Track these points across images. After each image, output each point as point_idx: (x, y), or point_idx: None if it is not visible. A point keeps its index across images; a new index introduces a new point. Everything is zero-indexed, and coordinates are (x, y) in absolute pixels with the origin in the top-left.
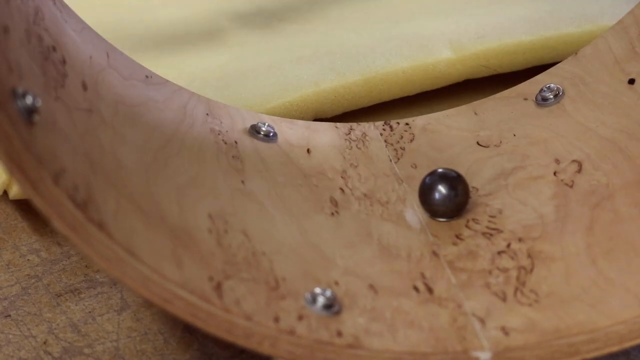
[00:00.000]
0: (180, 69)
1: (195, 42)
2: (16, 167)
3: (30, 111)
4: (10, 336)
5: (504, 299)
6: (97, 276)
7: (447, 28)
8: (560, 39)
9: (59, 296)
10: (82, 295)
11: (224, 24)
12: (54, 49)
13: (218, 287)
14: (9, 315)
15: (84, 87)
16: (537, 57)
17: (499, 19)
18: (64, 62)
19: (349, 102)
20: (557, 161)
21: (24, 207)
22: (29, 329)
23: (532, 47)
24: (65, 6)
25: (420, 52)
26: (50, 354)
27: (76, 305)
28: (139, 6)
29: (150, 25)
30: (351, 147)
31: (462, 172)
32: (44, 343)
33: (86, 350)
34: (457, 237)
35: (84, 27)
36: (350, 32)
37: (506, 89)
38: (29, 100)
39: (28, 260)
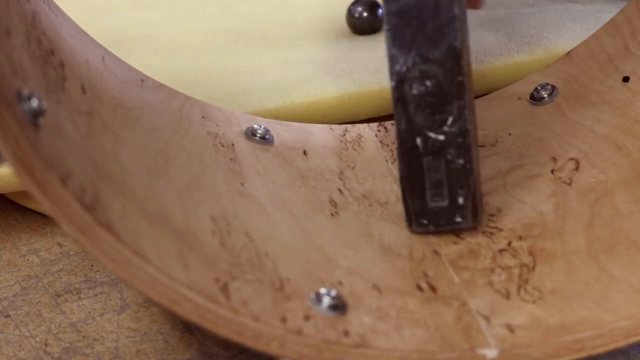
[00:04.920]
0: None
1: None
2: (25, 170)
3: (36, 114)
4: (10, 336)
5: (507, 296)
6: (97, 276)
7: None
8: (512, 66)
9: (59, 296)
10: (82, 295)
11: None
12: (52, 52)
13: (225, 288)
14: (9, 316)
15: (83, 90)
16: (487, 86)
17: None
18: (62, 65)
19: None
20: (554, 159)
21: (24, 207)
22: (28, 329)
23: (482, 74)
24: (60, 10)
25: (371, 77)
26: (50, 354)
27: (76, 305)
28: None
29: None
30: (347, 148)
31: None
32: (44, 343)
33: (86, 351)
34: (457, 236)
35: (79, 31)
36: (300, 52)
37: None
38: (34, 103)
39: (28, 260)
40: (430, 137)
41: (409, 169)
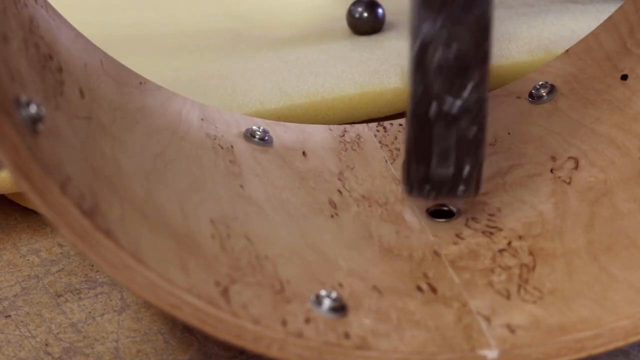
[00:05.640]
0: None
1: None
2: (23, 177)
3: (35, 120)
4: (11, 336)
5: (507, 296)
6: (97, 276)
7: (398, 56)
8: (513, 67)
9: (59, 296)
10: (82, 295)
11: (191, 35)
12: (50, 57)
13: (225, 292)
14: (9, 316)
15: (82, 94)
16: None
17: None
18: (60, 70)
19: None
20: (554, 159)
21: (24, 207)
22: (29, 329)
23: None
24: (58, 14)
25: (371, 78)
26: (50, 354)
27: (76, 305)
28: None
29: None
30: (346, 148)
31: None
32: (45, 343)
33: (86, 351)
34: (457, 236)
35: (77, 34)
36: (300, 52)
37: None
38: (33, 109)
39: (28, 260)
40: (447, 103)
41: (417, 135)
